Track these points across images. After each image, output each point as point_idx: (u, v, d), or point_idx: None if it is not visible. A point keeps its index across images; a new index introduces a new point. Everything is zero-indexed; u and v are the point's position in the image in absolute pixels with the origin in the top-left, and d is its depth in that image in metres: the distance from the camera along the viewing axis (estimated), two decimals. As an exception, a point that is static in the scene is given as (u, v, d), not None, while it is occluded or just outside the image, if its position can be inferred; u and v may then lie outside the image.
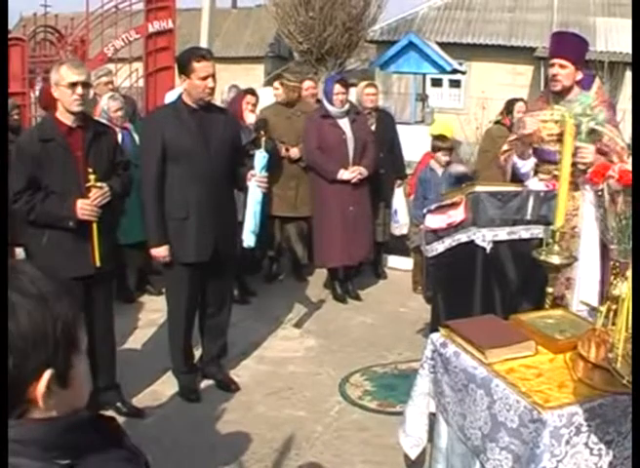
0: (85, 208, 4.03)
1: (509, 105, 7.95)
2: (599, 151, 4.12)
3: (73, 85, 3.95)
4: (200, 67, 4.35)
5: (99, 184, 4.09)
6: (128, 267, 6.58)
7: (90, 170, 4.06)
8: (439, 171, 6.54)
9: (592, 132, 3.91)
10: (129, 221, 5.66)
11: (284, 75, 7.30)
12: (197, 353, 5.03)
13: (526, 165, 4.47)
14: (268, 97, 7.23)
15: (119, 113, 6.09)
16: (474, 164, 8.72)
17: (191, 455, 4.05)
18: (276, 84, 6.96)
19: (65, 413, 1.18)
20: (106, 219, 4.21)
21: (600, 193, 2.76)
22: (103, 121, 5.76)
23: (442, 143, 6.54)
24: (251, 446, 4.18)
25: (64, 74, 3.94)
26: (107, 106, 6.03)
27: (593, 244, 4.18)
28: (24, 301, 1.13)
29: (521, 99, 7.92)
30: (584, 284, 4.19)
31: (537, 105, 4.69)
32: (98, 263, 4.15)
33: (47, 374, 1.14)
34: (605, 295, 2.68)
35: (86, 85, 4.07)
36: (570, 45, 4.38)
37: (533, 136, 4.36)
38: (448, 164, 6.58)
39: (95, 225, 4.12)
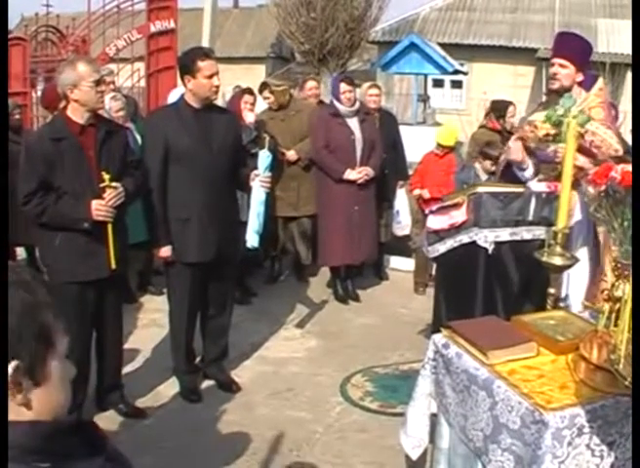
0: (100, 209, 3.94)
1: (497, 108, 7.80)
2: (587, 153, 4.12)
3: (97, 82, 3.92)
4: (205, 66, 4.34)
5: (113, 184, 4.00)
6: (129, 267, 6.57)
7: (103, 169, 3.98)
8: (483, 177, 6.39)
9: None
10: (129, 221, 5.64)
11: (270, 82, 7.30)
12: (198, 353, 5.03)
13: (524, 174, 4.46)
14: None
15: (121, 113, 6.09)
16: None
17: (192, 456, 4.05)
18: (266, 93, 6.94)
19: (47, 415, 1.18)
20: (120, 220, 4.14)
21: (603, 194, 2.75)
22: None
23: (492, 152, 6.39)
24: (251, 446, 4.17)
25: (86, 73, 3.87)
26: (109, 106, 6.01)
27: (583, 242, 4.20)
28: None
29: (510, 103, 7.79)
30: (573, 281, 4.20)
31: (537, 109, 4.69)
32: (113, 265, 4.09)
33: (12, 364, 1.12)
34: (608, 295, 2.67)
35: (104, 81, 4.09)
36: (571, 45, 4.38)
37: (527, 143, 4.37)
38: (493, 173, 6.47)
39: (109, 226, 4.04)
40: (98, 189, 3.97)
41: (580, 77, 4.34)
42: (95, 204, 3.93)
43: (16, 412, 1.14)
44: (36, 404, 1.17)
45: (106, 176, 3.98)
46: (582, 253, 4.15)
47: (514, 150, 4.36)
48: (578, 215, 4.16)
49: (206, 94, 4.41)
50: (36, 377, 1.17)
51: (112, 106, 6.05)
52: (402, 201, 7.41)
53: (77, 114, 3.96)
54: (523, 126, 4.59)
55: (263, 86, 7.13)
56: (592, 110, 4.13)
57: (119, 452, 1.30)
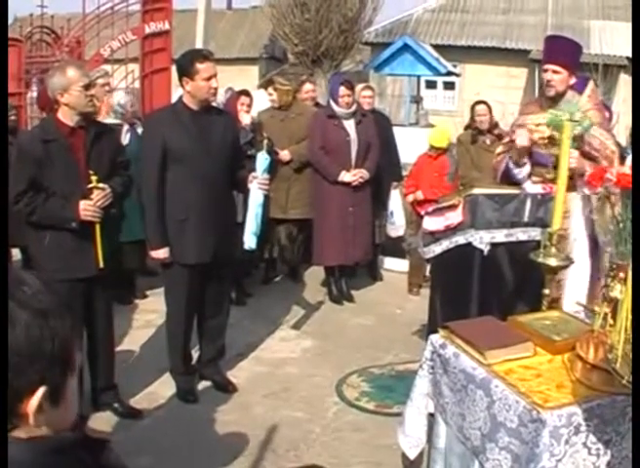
0: (87, 209, 4.02)
1: (471, 109, 7.93)
2: (587, 156, 4.16)
3: (87, 86, 3.99)
4: (203, 68, 4.37)
5: (101, 185, 4.09)
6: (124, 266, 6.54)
7: (92, 171, 4.07)
8: None
9: (577, 138, 3.94)
10: (128, 219, 5.65)
11: (276, 80, 7.31)
12: (195, 354, 5.05)
13: (522, 171, 4.50)
14: (262, 99, 7.25)
15: (135, 107, 6.21)
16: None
17: (189, 456, 4.06)
18: (270, 89, 6.97)
19: (52, 433, 1.16)
20: (108, 220, 4.21)
21: (599, 196, 2.79)
22: (111, 120, 5.88)
23: None
24: (248, 447, 4.19)
25: (75, 78, 3.95)
26: (124, 101, 6.15)
27: (583, 245, 4.23)
28: (24, 315, 1.11)
29: (482, 102, 7.86)
30: (574, 284, 4.23)
31: (529, 109, 4.72)
32: (100, 264, 4.15)
33: (40, 391, 1.12)
34: (603, 296, 2.70)
35: (93, 85, 4.15)
36: (563, 50, 4.40)
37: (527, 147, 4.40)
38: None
39: (97, 226, 4.12)
40: (86, 190, 4.06)
41: (572, 80, 4.38)
42: (82, 204, 4.02)
43: (26, 431, 1.13)
44: (51, 423, 1.16)
45: (94, 178, 4.08)
46: (582, 255, 4.19)
47: (521, 137, 4.37)
48: (577, 217, 4.19)
49: (204, 96, 4.43)
50: (57, 400, 1.16)
51: (127, 101, 6.17)
52: (396, 202, 7.44)
53: (67, 117, 4.04)
54: (515, 129, 4.63)
55: (269, 82, 7.13)
56: (588, 113, 4.17)
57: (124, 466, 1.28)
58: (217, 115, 4.65)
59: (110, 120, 6.04)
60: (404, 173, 7.55)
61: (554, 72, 4.31)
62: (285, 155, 6.78)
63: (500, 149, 4.77)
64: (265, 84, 7.12)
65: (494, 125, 7.62)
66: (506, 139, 4.78)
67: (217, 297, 4.84)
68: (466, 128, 8.10)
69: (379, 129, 7.10)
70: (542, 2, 21.03)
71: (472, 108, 7.76)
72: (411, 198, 7.12)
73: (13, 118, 6.60)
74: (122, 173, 4.37)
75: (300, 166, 6.84)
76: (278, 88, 6.88)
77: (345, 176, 6.44)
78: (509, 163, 4.54)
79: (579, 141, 4.03)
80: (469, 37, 20.74)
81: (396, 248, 7.88)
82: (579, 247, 4.20)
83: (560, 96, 4.36)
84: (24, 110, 9.50)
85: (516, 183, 4.56)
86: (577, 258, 4.15)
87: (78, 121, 4.06)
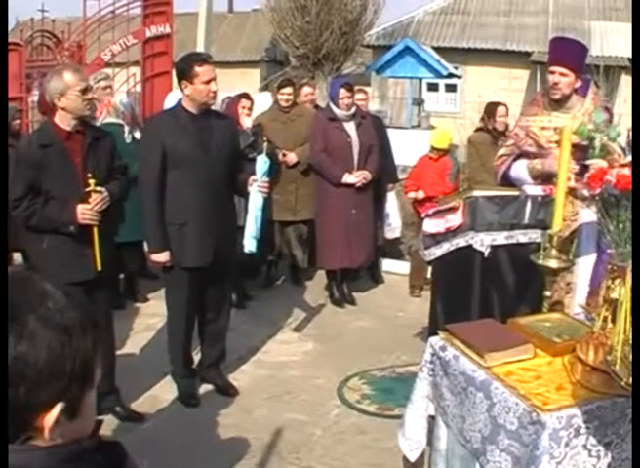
0: (85, 212, 4.04)
1: (487, 110, 7.76)
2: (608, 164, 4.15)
3: (84, 90, 4.00)
4: (203, 71, 4.37)
5: (98, 189, 4.10)
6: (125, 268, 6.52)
7: (89, 174, 4.08)
8: None
9: (604, 148, 3.93)
10: (127, 219, 5.65)
11: (293, 79, 7.28)
12: (196, 357, 5.05)
13: (531, 187, 4.46)
14: (264, 101, 7.24)
15: (136, 110, 6.40)
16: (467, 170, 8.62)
17: (191, 460, 4.06)
18: (289, 89, 6.88)
19: (69, 441, 1.14)
20: (106, 224, 4.22)
21: (597, 198, 2.79)
22: (113, 119, 6.00)
23: None
24: (250, 450, 4.19)
25: (73, 82, 3.97)
26: (126, 101, 6.33)
27: (591, 249, 4.22)
28: (46, 332, 1.08)
29: (502, 104, 7.74)
30: (583, 288, 4.23)
31: (531, 110, 4.70)
32: (98, 267, 4.17)
33: (57, 408, 1.09)
34: (603, 298, 2.69)
35: (90, 88, 4.18)
36: (571, 52, 4.38)
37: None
38: None
39: (95, 230, 4.13)
40: (84, 194, 4.07)
41: (578, 83, 4.37)
42: (80, 208, 4.04)
43: (44, 440, 1.10)
44: (67, 435, 1.13)
45: (92, 181, 4.09)
46: (591, 259, 4.18)
47: (553, 164, 4.32)
48: (585, 220, 4.18)
49: (203, 99, 4.43)
50: (74, 414, 1.14)
51: (129, 101, 6.45)
52: (392, 204, 7.46)
53: (64, 121, 4.06)
54: (517, 131, 4.62)
55: (287, 82, 7.06)
56: (593, 114, 4.16)
57: None
58: (216, 118, 4.66)
59: (112, 119, 6.08)
60: (403, 175, 7.55)
61: (562, 75, 4.28)
62: (292, 158, 6.78)
63: (502, 151, 4.75)
64: (284, 82, 6.97)
65: (507, 127, 7.52)
66: (509, 142, 4.76)
67: (218, 300, 4.84)
68: (477, 129, 7.97)
69: (374, 131, 7.10)
70: (543, 3, 21.02)
71: (489, 110, 7.54)
72: (412, 195, 7.07)
73: (17, 121, 6.64)
74: (119, 176, 4.38)
75: (307, 167, 6.83)
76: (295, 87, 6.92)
77: (349, 178, 6.45)
78: (525, 172, 4.47)
79: (605, 152, 3.99)
80: (471, 39, 20.72)
81: (394, 250, 7.89)
82: (586, 251, 4.20)
83: (565, 99, 4.35)
84: (26, 114, 9.52)
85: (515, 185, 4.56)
86: (585, 263, 4.16)
87: (75, 125, 4.08)
